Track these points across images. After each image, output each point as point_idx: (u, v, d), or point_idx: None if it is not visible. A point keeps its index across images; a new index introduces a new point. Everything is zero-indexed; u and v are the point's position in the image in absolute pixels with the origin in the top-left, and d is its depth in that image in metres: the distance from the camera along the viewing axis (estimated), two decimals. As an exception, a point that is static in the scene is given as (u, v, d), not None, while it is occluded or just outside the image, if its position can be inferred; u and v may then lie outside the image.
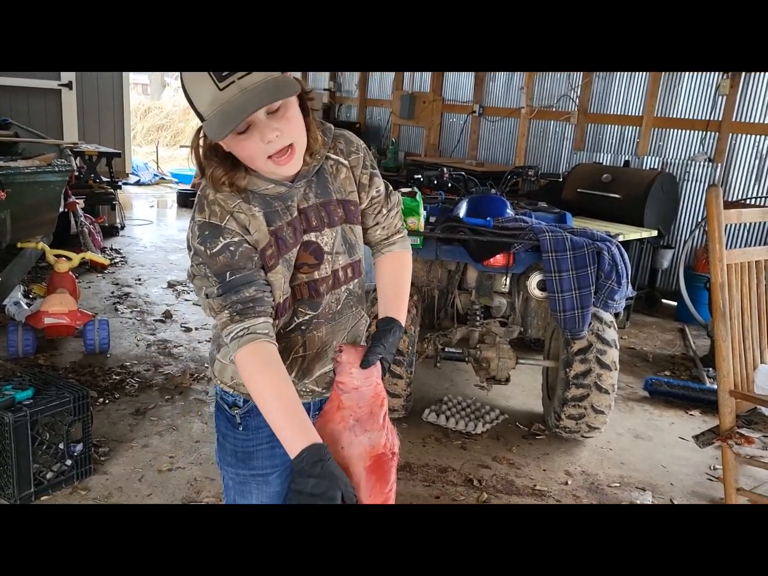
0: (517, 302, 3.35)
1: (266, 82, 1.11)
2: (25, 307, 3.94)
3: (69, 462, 2.47)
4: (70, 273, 3.92)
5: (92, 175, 6.55)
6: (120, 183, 6.93)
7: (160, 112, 14.67)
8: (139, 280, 5.18)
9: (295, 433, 1.17)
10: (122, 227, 6.77)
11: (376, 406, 1.30)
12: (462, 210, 3.46)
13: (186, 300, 4.79)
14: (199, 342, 4.04)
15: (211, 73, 1.09)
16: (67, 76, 8.40)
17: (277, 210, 1.26)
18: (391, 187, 1.47)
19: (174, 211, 8.19)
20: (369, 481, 1.25)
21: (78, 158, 6.47)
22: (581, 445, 3.18)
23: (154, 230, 7.02)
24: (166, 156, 11.98)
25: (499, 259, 2.95)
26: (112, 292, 4.80)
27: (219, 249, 1.20)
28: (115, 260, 5.62)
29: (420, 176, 4.28)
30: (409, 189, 2.83)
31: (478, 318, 3.33)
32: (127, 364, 3.62)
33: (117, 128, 9.16)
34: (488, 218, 3.08)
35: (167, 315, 4.42)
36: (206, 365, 3.70)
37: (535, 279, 2.96)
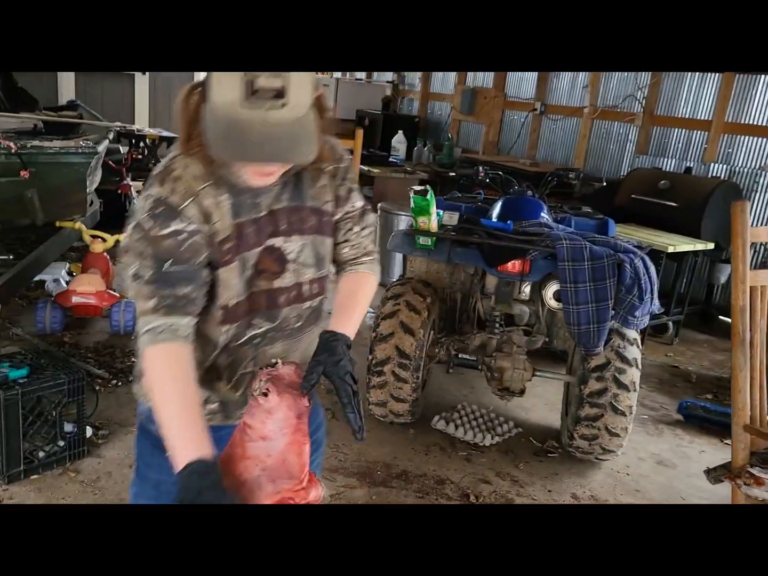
0: (541, 311, 3.18)
1: (290, 130, 1.02)
2: (64, 285, 4.07)
3: (61, 443, 2.51)
4: (105, 254, 4.02)
5: (153, 159, 6.73)
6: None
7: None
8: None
9: (187, 444, 1.07)
10: (179, 211, 6.92)
11: (292, 454, 1.14)
12: (495, 211, 3.32)
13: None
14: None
15: (246, 78, 0.99)
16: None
17: (245, 203, 1.17)
18: (369, 207, 1.39)
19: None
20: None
21: (141, 142, 6.70)
22: (595, 467, 2.99)
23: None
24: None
25: (514, 266, 2.80)
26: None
27: (168, 233, 1.10)
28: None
29: (453, 173, 4.16)
30: (421, 187, 2.72)
31: (497, 325, 3.19)
32: (148, 347, 3.67)
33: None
34: (509, 221, 2.94)
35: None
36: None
37: (551, 289, 2.79)
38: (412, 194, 2.70)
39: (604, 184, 3.92)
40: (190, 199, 1.12)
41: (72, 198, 3.36)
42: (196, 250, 1.13)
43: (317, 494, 1.19)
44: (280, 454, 1.15)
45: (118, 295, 3.81)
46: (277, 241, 1.21)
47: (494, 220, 3.21)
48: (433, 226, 2.79)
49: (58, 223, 3.94)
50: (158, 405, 1.12)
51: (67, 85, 8.31)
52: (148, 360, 1.13)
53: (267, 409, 1.15)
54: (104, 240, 3.97)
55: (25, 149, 2.95)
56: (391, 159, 6.52)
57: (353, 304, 1.31)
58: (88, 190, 3.46)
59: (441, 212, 2.91)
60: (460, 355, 3.19)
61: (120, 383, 3.24)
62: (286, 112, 1.01)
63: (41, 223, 3.79)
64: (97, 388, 3.12)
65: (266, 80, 0.99)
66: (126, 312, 3.72)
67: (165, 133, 7.08)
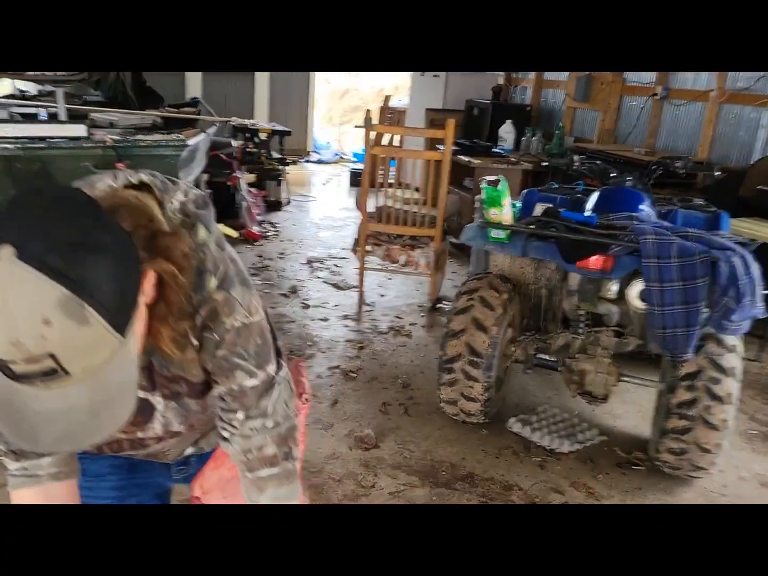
0: (632, 311, 2.95)
1: (93, 388, 0.76)
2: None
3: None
4: (203, 243, 4.20)
5: (264, 152, 6.98)
6: (289, 160, 7.31)
7: (356, 94, 15.24)
8: (282, 254, 5.41)
9: None
10: (287, 202, 7.13)
11: None
12: (590, 203, 3.12)
13: (317, 278, 4.91)
14: (312, 320, 4.12)
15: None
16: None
17: None
18: (277, 393, 1.03)
19: (344, 190, 8.45)
20: None
21: (255, 136, 6.97)
22: (686, 484, 2.73)
23: (316, 207, 7.30)
24: (356, 136, 12.42)
25: (594, 261, 2.60)
26: (253, 264, 5.07)
27: None
28: (268, 234, 5.93)
29: (547, 164, 3.95)
30: (494, 177, 2.59)
31: (581, 325, 2.99)
32: (237, 334, 3.79)
33: (302, 108, 9.67)
34: (595, 214, 2.74)
35: (293, 290, 4.57)
36: (309, 343, 3.77)
37: (635, 287, 2.56)
38: (483, 185, 2.57)
39: (718, 173, 3.56)
40: None
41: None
42: None
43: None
44: None
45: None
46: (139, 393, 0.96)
47: (588, 212, 3.02)
48: (506, 218, 2.65)
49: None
50: None
51: (194, 83, 8.78)
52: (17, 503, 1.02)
53: None
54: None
55: (119, 142, 3.13)
56: (496, 149, 6.32)
57: None
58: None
59: (518, 204, 2.76)
60: (538, 355, 3.02)
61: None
62: (75, 381, 0.73)
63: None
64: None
65: (24, 366, 0.71)
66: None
67: (278, 128, 7.32)
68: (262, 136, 7.08)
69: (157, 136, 3.27)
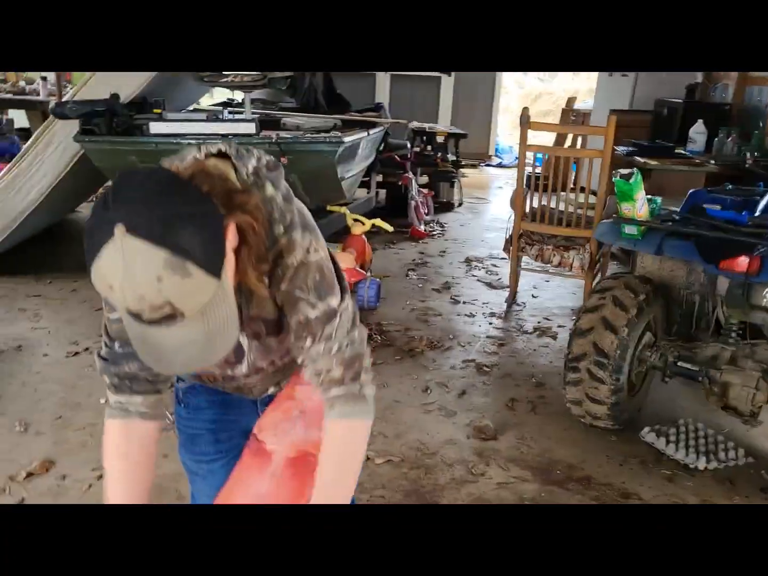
0: (797, 323, 2.65)
1: (203, 337, 0.93)
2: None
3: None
4: (362, 236, 4.46)
5: (439, 154, 7.18)
6: (464, 163, 7.42)
7: (549, 98, 14.92)
8: (444, 252, 5.54)
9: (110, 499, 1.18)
10: (459, 204, 7.25)
11: None
12: (761, 204, 2.88)
13: (473, 276, 4.97)
14: (458, 315, 4.19)
15: (129, 312, 0.90)
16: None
17: None
18: (341, 320, 1.14)
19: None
20: (285, 472, 1.23)
21: (432, 139, 7.19)
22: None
23: (488, 209, 7.33)
24: (542, 140, 12.18)
25: (740, 263, 2.38)
26: (413, 260, 5.26)
27: (114, 318, 1.12)
28: (433, 232, 6.09)
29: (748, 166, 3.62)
30: (628, 171, 2.48)
31: (732, 335, 2.75)
32: (384, 322, 3.99)
33: (486, 112, 9.72)
34: (744, 212, 2.51)
35: (445, 286, 4.68)
36: (451, 336, 3.85)
37: (779, 293, 2.31)
38: (615, 178, 2.48)
39: None
40: None
41: (325, 183, 3.82)
42: None
43: None
44: (320, 399, 1.23)
45: (364, 273, 4.21)
46: None
47: (759, 212, 2.77)
48: (640, 214, 2.52)
49: (328, 207, 4.50)
50: (106, 478, 1.21)
51: (382, 88, 9.24)
52: (105, 431, 1.20)
53: None
54: (363, 223, 4.40)
55: (283, 139, 3.46)
56: (681, 151, 5.89)
57: (333, 481, 1.18)
58: (339, 176, 3.89)
59: (658, 200, 2.61)
60: (679, 363, 2.82)
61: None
62: (188, 319, 0.90)
63: (313, 207, 4.37)
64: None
65: (150, 314, 0.88)
66: (370, 289, 4.09)
67: (454, 131, 7.48)
68: (439, 139, 7.29)
69: (316, 134, 3.57)
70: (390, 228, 4.31)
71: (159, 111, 3.78)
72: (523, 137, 4.14)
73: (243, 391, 1.35)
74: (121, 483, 1.18)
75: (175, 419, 1.42)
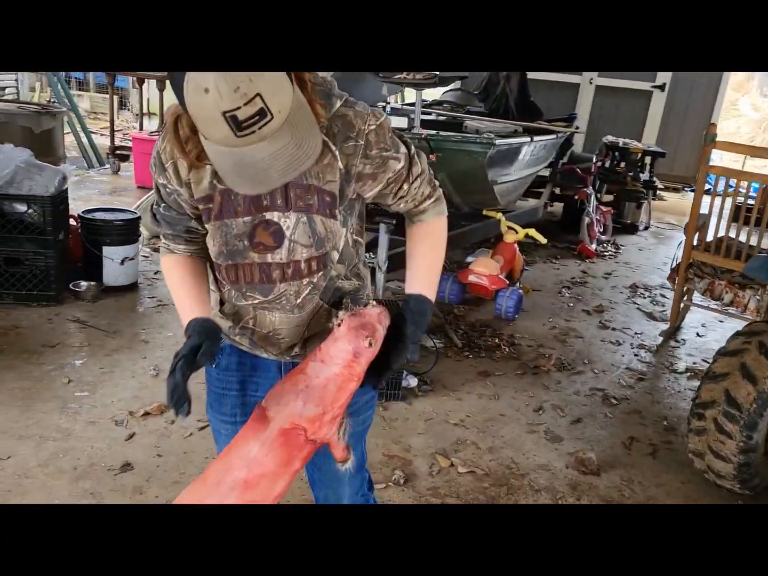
0: None
1: (290, 140, 1.03)
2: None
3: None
4: (515, 245, 4.31)
5: (631, 173, 6.71)
6: (659, 185, 6.86)
7: (788, 125, 13.25)
8: (609, 274, 5.18)
9: (188, 314, 1.30)
10: (645, 228, 6.72)
11: (333, 384, 1.23)
12: None
13: (633, 303, 4.59)
14: (602, 341, 3.90)
15: (227, 116, 0.97)
16: (662, 77, 8.59)
17: None
18: (415, 156, 1.32)
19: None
20: (275, 441, 1.22)
21: (624, 155, 6.77)
22: None
23: (676, 236, 6.71)
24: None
25: None
26: (572, 278, 4.98)
27: (160, 183, 1.26)
28: (605, 253, 5.72)
29: None
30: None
31: None
32: (517, 335, 3.83)
33: (700, 132, 8.88)
34: None
35: (598, 309, 4.37)
36: (586, 361, 3.60)
37: None
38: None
39: None
40: (170, 162, 1.21)
41: (474, 184, 3.75)
42: (178, 204, 1.27)
43: (329, 435, 1.25)
44: (326, 379, 1.25)
45: (506, 282, 4.08)
46: (274, 215, 1.22)
47: None
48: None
49: (483, 212, 4.43)
50: (172, 297, 1.36)
51: (585, 98, 8.86)
52: (162, 266, 1.39)
53: (335, 336, 1.27)
54: (516, 232, 4.26)
55: (433, 137, 3.46)
56: None
57: (428, 262, 1.37)
58: (490, 179, 3.79)
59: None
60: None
61: (470, 355, 3.51)
62: (277, 122, 1.00)
63: (467, 209, 4.34)
64: (448, 353, 3.48)
65: (245, 110, 0.97)
66: (509, 299, 3.95)
67: (652, 149, 6.95)
68: (634, 156, 6.83)
69: (466, 134, 3.51)
70: (543, 240, 4.12)
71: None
72: (704, 157, 3.74)
73: (271, 336, 1.34)
74: (183, 293, 1.33)
75: (206, 379, 1.48)
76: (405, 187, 1.32)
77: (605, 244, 5.97)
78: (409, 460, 2.58)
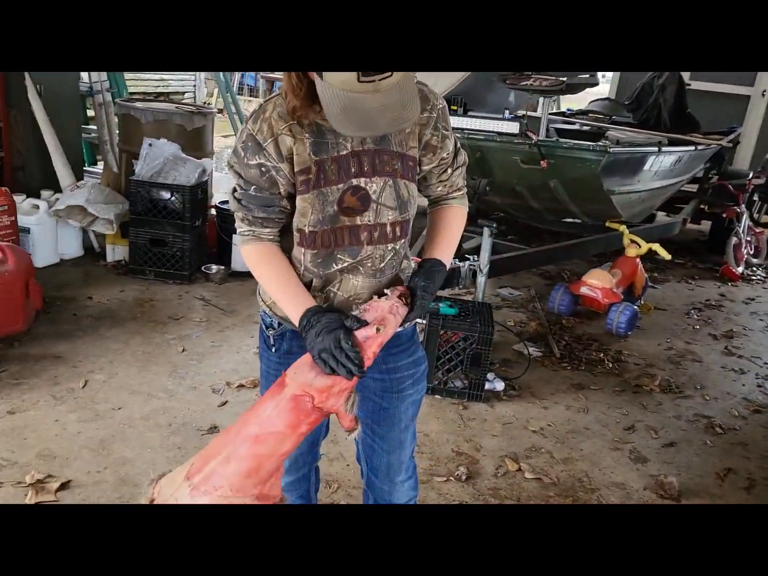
0: None
1: (401, 95, 1.14)
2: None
3: (458, 383, 2.97)
4: (637, 259, 4.11)
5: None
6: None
7: None
8: (751, 300, 4.76)
9: (291, 306, 1.37)
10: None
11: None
12: None
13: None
14: (722, 367, 3.61)
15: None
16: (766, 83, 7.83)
17: (327, 142, 1.29)
18: (459, 147, 1.47)
19: None
20: (286, 405, 1.30)
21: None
22: None
23: None
24: None
25: None
26: (706, 300, 4.64)
27: (254, 164, 1.30)
28: (753, 277, 5.26)
29: None
30: None
31: None
32: (626, 352, 3.65)
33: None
34: None
35: (727, 335, 4.04)
36: (698, 386, 3.37)
37: None
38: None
39: None
40: (271, 140, 1.28)
41: (589, 193, 3.62)
42: (274, 182, 1.32)
43: (336, 407, 1.34)
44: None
45: (621, 296, 3.90)
46: (361, 181, 1.31)
47: None
48: None
49: (606, 224, 4.27)
50: (265, 287, 1.43)
51: (756, 111, 8.15)
52: (243, 256, 1.41)
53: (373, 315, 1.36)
54: (639, 246, 4.06)
55: (544, 143, 3.39)
56: None
57: (450, 236, 1.48)
58: (606, 188, 3.65)
59: None
60: None
61: (568, 367, 3.41)
62: (394, 79, 1.11)
63: (587, 221, 4.21)
64: (545, 362, 3.41)
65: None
66: (622, 314, 3.78)
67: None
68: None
69: (580, 141, 3.40)
70: (667, 255, 3.89)
71: (455, 107, 4.03)
72: None
73: (361, 268, 1.39)
74: (279, 281, 1.38)
75: (263, 364, 1.58)
76: (449, 171, 1.45)
77: (755, 268, 5.49)
78: (477, 459, 2.59)
